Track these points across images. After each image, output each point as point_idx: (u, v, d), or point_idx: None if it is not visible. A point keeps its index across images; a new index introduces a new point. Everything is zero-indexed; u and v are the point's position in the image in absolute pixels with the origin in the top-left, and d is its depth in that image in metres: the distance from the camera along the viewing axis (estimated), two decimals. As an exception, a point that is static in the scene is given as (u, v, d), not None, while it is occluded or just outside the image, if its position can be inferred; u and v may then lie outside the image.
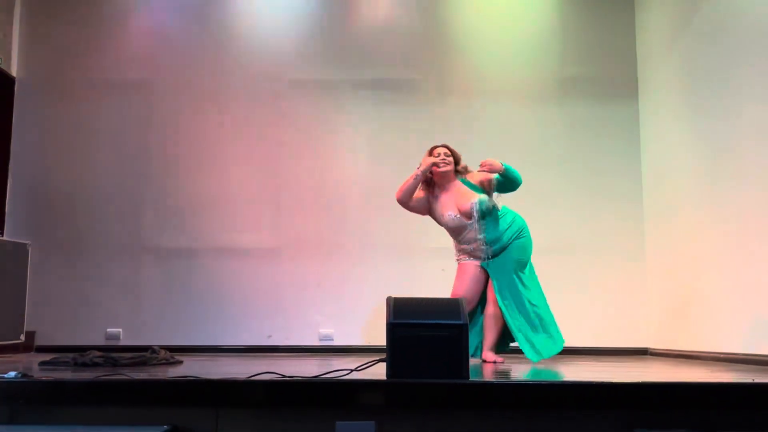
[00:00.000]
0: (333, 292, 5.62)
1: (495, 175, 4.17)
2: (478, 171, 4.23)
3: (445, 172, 4.29)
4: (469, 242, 4.25)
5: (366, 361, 2.81)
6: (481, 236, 4.21)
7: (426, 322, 2.59)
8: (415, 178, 4.27)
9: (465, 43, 5.85)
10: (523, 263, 4.29)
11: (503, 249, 4.22)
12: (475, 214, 4.18)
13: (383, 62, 5.81)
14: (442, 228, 4.42)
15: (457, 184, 4.31)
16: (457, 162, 4.34)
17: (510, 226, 4.25)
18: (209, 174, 5.75)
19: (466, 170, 4.36)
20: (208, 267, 5.63)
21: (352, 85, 5.81)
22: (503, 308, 4.18)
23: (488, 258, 4.24)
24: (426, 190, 4.36)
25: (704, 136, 4.64)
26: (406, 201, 4.31)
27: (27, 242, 5.39)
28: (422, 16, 5.92)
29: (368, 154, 5.79)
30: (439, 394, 2.45)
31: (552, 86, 5.79)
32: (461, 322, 2.60)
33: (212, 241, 5.66)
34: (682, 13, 4.94)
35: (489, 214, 4.21)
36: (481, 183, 4.26)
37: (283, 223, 5.71)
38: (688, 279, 4.89)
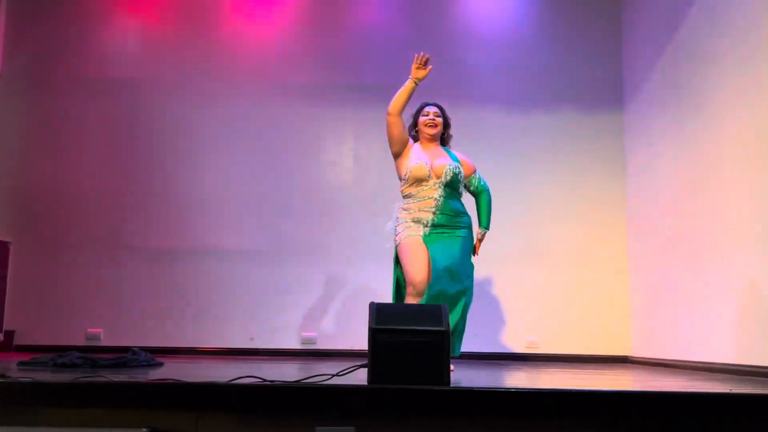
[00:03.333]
0: (316, 295, 5.62)
1: (477, 178, 4.15)
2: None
3: (433, 135, 4.12)
4: (423, 198, 3.98)
5: (347, 366, 2.82)
6: (438, 196, 3.98)
7: (408, 327, 2.60)
8: (405, 86, 4.00)
9: (452, 49, 5.88)
10: (469, 255, 4.05)
11: (448, 228, 3.98)
12: (444, 176, 3.97)
13: (371, 67, 5.82)
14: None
15: (440, 148, 4.16)
16: (446, 125, 4.19)
17: (464, 213, 4.07)
18: (194, 175, 5.74)
19: (450, 138, 4.22)
20: (191, 268, 5.62)
21: (339, 89, 5.82)
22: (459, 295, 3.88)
23: (430, 225, 3.95)
24: (411, 130, 4.18)
25: (687, 146, 4.70)
26: (396, 113, 4.01)
27: (8, 241, 5.35)
28: (410, 22, 5.94)
29: (354, 158, 5.81)
30: (419, 400, 2.45)
31: (538, 93, 5.83)
32: (443, 328, 2.62)
33: (196, 242, 5.65)
34: (667, 24, 4.99)
35: (455, 185, 4.03)
36: (462, 163, 4.11)
37: (267, 226, 5.71)
38: (669, 288, 4.93)
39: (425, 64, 4.01)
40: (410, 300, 3.85)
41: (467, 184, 4.16)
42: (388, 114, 4.03)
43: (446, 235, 3.96)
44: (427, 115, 4.13)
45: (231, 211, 5.72)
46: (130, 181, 5.73)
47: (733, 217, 4.10)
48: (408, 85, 4.00)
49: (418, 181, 4.00)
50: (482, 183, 4.19)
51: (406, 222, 4.00)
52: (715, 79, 4.34)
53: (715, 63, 4.34)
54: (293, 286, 5.62)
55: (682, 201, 4.76)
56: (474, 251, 4.09)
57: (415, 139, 4.17)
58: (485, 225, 4.14)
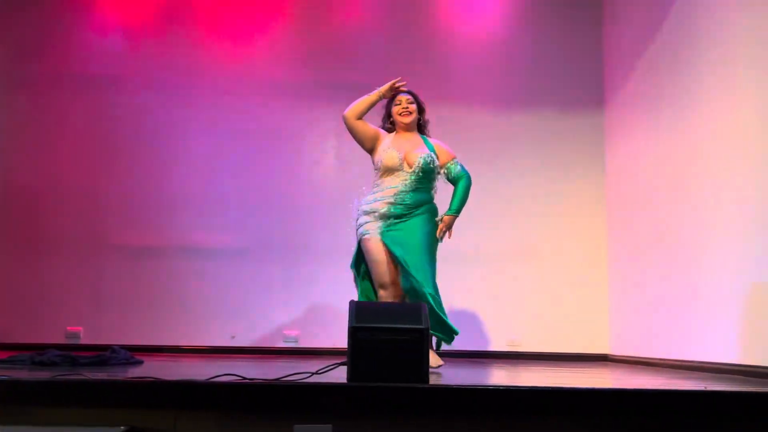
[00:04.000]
0: (298, 294, 5.61)
1: (455, 165, 4.02)
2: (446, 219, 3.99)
3: (409, 124, 4.04)
4: (387, 187, 3.92)
5: (328, 364, 2.83)
6: (403, 186, 3.91)
7: (387, 326, 2.62)
8: (369, 96, 4.00)
9: (434, 49, 5.89)
10: (432, 238, 3.95)
11: (404, 217, 3.90)
12: (416, 167, 3.91)
13: (353, 66, 5.81)
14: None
15: (416, 137, 4.07)
16: (421, 111, 4.10)
17: (427, 202, 3.99)
18: (175, 173, 5.71)
19: (428, 124, 4.14)
20: (172, 266, 5.59)
21: (321, 88, 5.80)
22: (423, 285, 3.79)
23: (385, 217, 3.89)
24: (382, 127, 4.12)
25: (667, 146, 4.74)
26: (352, 118, 3.97)
27: (-14, 238, 5.31)
28: (393, 21, 5.95)
29: (336, 157, 5.81)
30: (398, 398, 2.47)
31: (519, 94, 5.85)
32: (422, 326, 2.64)
33: (177, 240, 5.63)
34: (648, 26, 5.04)
35: (428, 175, 3.95)
36: (439, 151, 4.03)
37: (249, 224, 5.70)
38: (648, 286, 4.98)
39: (397, 89, 4.05)
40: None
41: (445, 172, 4.03)
42: (344, 117, 4.01)
43: (401, 223, 3.88)
44: (400, 104, 4.04)
45: (212, 208, 5.70)
46: (111, 177, 5.69)
47: (712, 216, 4.15)
48: (373, 96, 4.01)
49: (389, 170, 3.94)
50: (461, 170, 4.03)
51: (360, 215, 4.00)
52: (694, 79, 4.39)
53: (694, 63, 4.39)
54: (275, 285, 5.61)
55: (661, 201, 4.81)
56: (439, 235, 3.94)
57: (390, 131, 4.11)
58: (453, 209, 3.97)
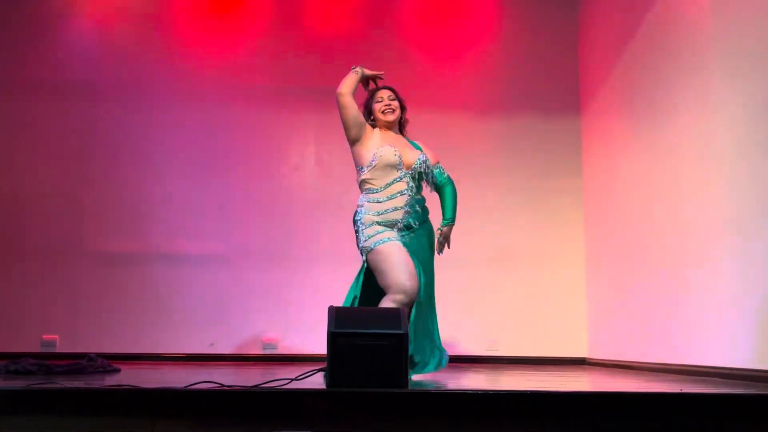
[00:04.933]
0: (278, 300, 5.60)
1: (440, 170, 3.77)
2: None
3: (392, 122, 3.76)
4: (392, 194, 3.60)
5: (307, 371, 2.82)
6: (409, 192, 3.62)
7: (366, 331, 2.62)
8: (353, 74, 3.74)
9: (411, 53, 5.91)
10: (433, 252, 3.75)
11: (416, 229, 3.64)
12: (417, 167, 3.65)
13: (332, 70, 5.78)
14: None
15: (402, 138, 3.81)
16: (403, 109, 3.83)
17: (425, 208, 3.74)
18: (153, 178, 5.68)
19: (407, 123, 3.88)
20: (149, 273, 5.55)
21: (301, 93, 5.80)
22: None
23: (402, 227, 3.59)
24: (367, 119, 3.78)
25: (643, 148, 4.80)
26: (349, 94, 3.67)
27: (-41, 246, 5.24)
28: (370, 26, 5.96)
29: (316, 163, 5.81)
30: (377, 403, 2.47)
31: (496, 98, 5.89)
32: (401, 331, 2.64)
33: (154, 246, 5.59)
34: (624, 29, 5.10)
35: (423, 178, 3.70)
36: (426, 153, 3.75)
37: (228, 230, 5.68)
38: (626, 289, 5.03)
39: (373, 81, 3.83)
40: None
41: (432, 176, 3.75)
42: (340, 94, 3.67)
43: (413, 235, 3.61)
44: (381, 101, 3.76)
45: (191, 215, 5.67)
46: (87, 184, 5.64)
47: (689, 218, 4.20)
48: (356, 76, 3.73)
49: (386, 169, 3.60)
50: (447, 175, 3.80)
51: (374, 226, 3.57)
52: (668, 84, 4.45)
53: (668, 69, 4.45)
54: (255, 291, 5.59)
55: (638, 204, 4.87)
56: (440, 248, 3.72)
57: (373, 125, 3.80)
58: (450, 218, 3.72)
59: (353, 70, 3.76)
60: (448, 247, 3.76)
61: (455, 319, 5.56)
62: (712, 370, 3.83)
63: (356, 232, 3.66)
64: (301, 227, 5.67)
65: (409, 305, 3.46)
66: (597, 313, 5.54)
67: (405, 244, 3.56)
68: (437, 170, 3.76)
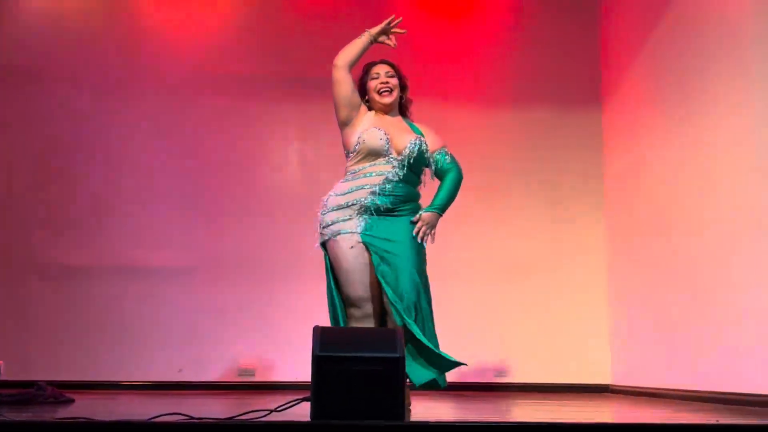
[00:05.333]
0: (256, 319, 5.59)
1: (443, 154, 3.65)
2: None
3: (390, 105, 3.66)
4: (369, 174, 3.53)
5: (288, 400, 2.81)
6: (392, 175, 3.53)
7: (357, 355, 2.61)
8: (359, 39, 3.63)
9: (410, 39, 5.89)
10: (424, 258, 3.59)
11: (392, 213, 3.54)
12: (407, 153, 3.54)
13: (322, 60, 5.78)
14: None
15: (401, 120, 3.72)
16: (403, 88, 3.72)
17: (417, 201, 3.64)
18: (111, 180, 5.68)
19: (410, 104, 3.78)
20: (108, 288, 5.54)
21: (284, 84, 5.80)
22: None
23: (369, 211, 3.50)
24: (361, 100, 3.69)
25: (671, 143, 4.81)
26: (345, 67, 3.58)
27: None
28: (364, 7, 5.95)
29: (298, 160, 5.82)
30: (370, 438, 2.46)
31: (505, 90, 5.90)
32: (397, 354, 2.63)
33: (114, 257, 5.59)
34: (648, 16, 5.13)
35: (419, 165, 3.60)
36: (427, 137, 3.65)
37: (198, 238, 5.68)
38: (653, 307, 5.03)
39: (387, 38, 3.68)
40: (354, 325, 3.47)
41: (432, 162, 3.64)
42: (334, 66, 3.58)
43: (386, 222, 3.50)
44: (378, 77, 3.65)
45: (156, 221, 5.66)
46: (36, 186, 5.64)
47: (726, 229, 4.18)
48: (363, 39, 3.62)
49: (372, 155, 3.54)
50: (451, 160, 3.65)
51: (334, 212, 3.54)
52: (699, 71, 4.46)
53: (698, 60, 4.46)
54: (228, 309, 5.58)
55: (667, 210, 4.87)
56: (416, 233, 3.52)
57: (369, 107, 3.72)
58: (436, 205, 3.57)
59: (365, 35, 3.64)
60: (431, 241, 3.60)
61: (458, 341, 5.56)
62: (751, 398, 3.83)
63: (320, 226, 3.64)
64: (282, 236, 5.66)
65: (369, 316, 3.45)
66: (621, 335, 5.53)
67: (371, 231, 3.47)
68: (439, 155, 3.64)
